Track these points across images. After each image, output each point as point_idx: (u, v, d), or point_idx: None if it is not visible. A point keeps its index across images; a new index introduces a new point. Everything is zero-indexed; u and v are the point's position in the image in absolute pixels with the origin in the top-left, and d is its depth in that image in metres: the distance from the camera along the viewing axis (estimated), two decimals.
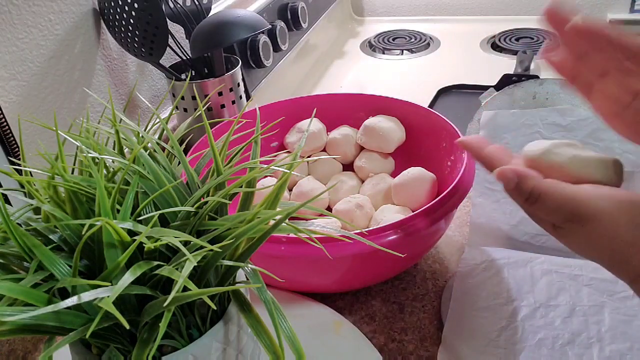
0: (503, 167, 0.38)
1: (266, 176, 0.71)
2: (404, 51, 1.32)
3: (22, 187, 0.39)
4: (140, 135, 0.42)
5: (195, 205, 0.36)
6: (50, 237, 0.35)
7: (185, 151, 0.55)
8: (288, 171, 0.37)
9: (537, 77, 1.07)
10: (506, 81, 1.02)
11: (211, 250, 0.31)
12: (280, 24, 1.04)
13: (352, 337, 0.55)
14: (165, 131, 0.42)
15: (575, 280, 0.57)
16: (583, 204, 0.36)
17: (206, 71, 0.84)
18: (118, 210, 0.34)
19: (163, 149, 0.42)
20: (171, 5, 0.80)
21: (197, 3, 0.84)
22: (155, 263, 0.32)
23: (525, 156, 0.41)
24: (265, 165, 0.40)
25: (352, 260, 0.54)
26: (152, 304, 0.32)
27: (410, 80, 1.18)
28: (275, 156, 0.73)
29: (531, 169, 0.40)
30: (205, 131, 0.40)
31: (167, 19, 0.75)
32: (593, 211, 0.35)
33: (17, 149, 0.60)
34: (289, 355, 0.32)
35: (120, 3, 0.71)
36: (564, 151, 0.40)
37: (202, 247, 0.31)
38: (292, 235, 0.42)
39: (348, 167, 0.77)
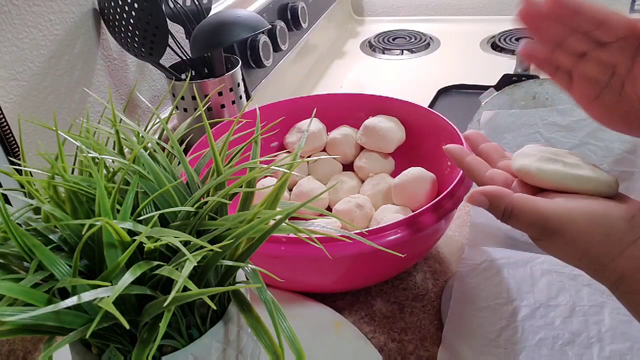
0: (473, 191, 0.40)
1: (266, 176, 0.71)
2: (404, 51, 1.32)
3: (22, 187, 0.39)
4: (140, 135, 0.42)
5: (195, 205, 0.36)
6: (50, 237, 0.35)
7: (185, 151, 0.55)
8: (288, 171, 0.37)
9: (537, 77, 1.06)
10: (506, 81, 1.02)
11: (211, 250, 0.31)
12: (280, 24, 1.04)
13: (352, 337, 0.55)
14: (165, 131, 0.42)
15: (575, 280, 0.57)
16: (555, 218, 0.37)
17: (206, 71, 0.84)
18: (118, 210, 0.34)
19: (163, 149, 0.42)
20: (171, 5, 0.80)
21: (197, 3, 0.84)
22: (155, 263, 0.32)
23: (512, 165, 0.44)
24: (265, 165, 0.40)
25: (352, 260, 0.54)
26: (152, 304, 0.32)
27: (410, 80, 1.18)
28: (275, 156, 0.73)
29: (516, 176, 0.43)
30: (205, 131, 0.40)
31: (167, 19, 0.75)
32: (564, 225, 0.37)
33: (17, 149, 0.60)
34: (289, 355, 0.32)
35: (120, 3, 0.71)
36: (552, 168, 0.41)
37: (202, 247, 0.31)
38: (292, 235, 0.42)
39: (348, 167, 0.77)
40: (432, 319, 0.57)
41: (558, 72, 0.43)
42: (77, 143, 0.38)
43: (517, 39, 1.30)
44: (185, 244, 0.32)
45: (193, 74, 0.83)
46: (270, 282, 0.48)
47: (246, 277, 0.38)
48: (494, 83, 1.02)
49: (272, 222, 0.34)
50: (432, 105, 1.04)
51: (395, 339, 0.55)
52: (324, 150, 0.77)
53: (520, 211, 0.38)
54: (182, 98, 0.80)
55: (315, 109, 0.60)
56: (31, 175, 0.38)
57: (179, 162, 0.41)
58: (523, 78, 1.04)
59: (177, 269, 0.31)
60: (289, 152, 0.76)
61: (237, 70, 0.82)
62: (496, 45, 1.29)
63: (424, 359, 0.53)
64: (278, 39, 1.03)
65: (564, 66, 0.43)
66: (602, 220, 0.37)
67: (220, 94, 0.81)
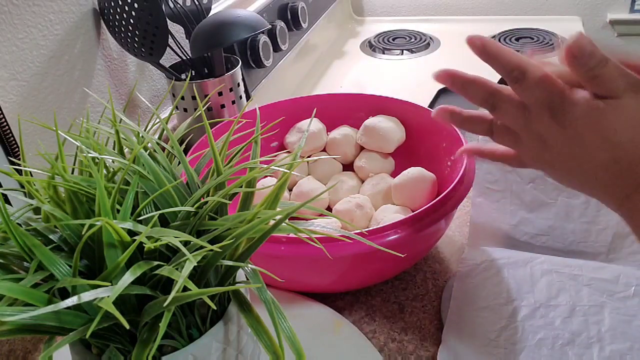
0: (580, 34, 0.37)
1: (266, 176, 0.71)
2: (404, 51, 1.32)
3: (22, 187, 0.39)
4: (140, 135, 0.42)
5: (195, 205, 0.36)
6: (50, 237, 0.35)
7: (185, 151, 0.55)
8: (288, 171, 0.37)
9: None
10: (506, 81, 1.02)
11: (211, 250, 0.31)
12: (280, 24, 1.04)
13: (352, 337, 0.55)
14: (165, 131, 0.42)
15: (575, 280, 0.57)
16: None
17: (206, 71, 0.84)
18: (118, 210, 0.34)
19: (163, 149, 0.42)
20: (171, 5, 0.80)
21: (197, 3, 0.84)
22: (155, 263, 0.32)
23: None
24: (265, 165, 0.40)
25: (352, 260, 0.54)
26: (152, 304, 0.32)
27: (410, 80, 1.18)
28: (275, 156, 0.73)
29: None
30: (205, 131, 0.40)
31: (167, 19, 0.75)
32: None
33: (17, 149, 0.60)
34: (289, 355, 0.32)
35: (120, 3, 0.71)
36: None
37: (202, 247, 0.31)
38: (292, 235, 0.42)
39: (348, 167, 0.77)
40: (432, 319, 0.57)
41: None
42: (77, 143, 0.38)
43: (517, 39, 1.30)
44: (185, 244, 0.32)
45: (193, 74, 0.83)
46: (270, 282, 0.48)
47: (246, 277, 0.38)
48: None
49: (272, 222, 0.34)
50: (432, 105, 1.04)
51: (395, 339, 0.55)
52: (324, 150, 0.77)
53: (619, 59, 0.36)
54: (182, 98, 0.80)
55: (315, 109, 0.60)
56: (31, 175, 0.38)
57: (179, 162, 0.41)
58: None
59: (177, 269, 0.31)
60: (289, 152, 0.76)
61: (237, 70, 0.82)
62: None
63: (424, 359, 0.53)
64: (278, 39, 1.03)
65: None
66: None
67: (220, 94, 0.81)
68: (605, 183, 0.39)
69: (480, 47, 0.41)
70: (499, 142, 0.44)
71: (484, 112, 0.44)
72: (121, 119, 0.41)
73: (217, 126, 0.70)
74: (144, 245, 0.31)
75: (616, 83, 0.36)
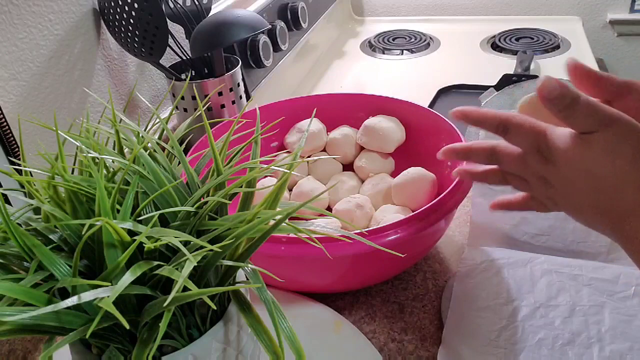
0: (543, 80, 0.39)
1: (266, 176, 0.71)
2: (404, 51, 1.32)
3: (22, 187, 0.39)
4: (140, 135, 0.42)
5: (195, 205, 0.36)
6: (50, 237, 0.35)
7: (185, 151, 0.55)
8: (288, 171, 0.37)
9: (537, 77, 1.07)
10: (506, 81, 1.02)
11: (211, 250, 0.31)
12: (280, 24, 1.04)
13: (352, 337, 0.55)
14: (165, 131, 0.42)
15: (575, 280, 0.57)
16: (614, 109, 0.38)
17: (206, 71, 0.84)
18: (118, 210, 0.34)
19: (163, 149, 0.42)
20: (171, 5, 0.80)
21: (197, 3, 0.84)
22: (155, 263, 0.32)
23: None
24: (265, 165, 0.40)
25: (352, 260, 0.54)
26: (152, 304, 0.32)
27: (410, 80, 1.18)
28: (275, 156, 0.73)
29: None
30: (205, 131, 0.40)
31: (167, 19, 0.75)
32: (620, 115, 0.38)
33: (17, 149, 0.60)
34: (289, 355, 0.32)
35: (120, 3, 0.71)
36: None
37: (202, 247, 0.31)
38: (292, 235, 0.42)
39: (348, 167, 0.77)
40: (432, 319, 0.57)
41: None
42: (77, 143, 0.38)
43: (517, 39, 1.30)
44: (185, 244, 0.32)
45: (193, 74, 0.83)
46: (270, 282, 0.48)
47: (246, 277, 0.38)
48: (494, 83, 1.03)
49: (272, 222, 0.34)
50: (432, 105, 1.04)
51: (395, 339, 0.55)
52: (324, 150, 0.77)
53: (587, 97, 0.38)
54: (182, 98, 0.80)
55: (315, 109, 0.60)
56: (31, 175, 0.38)
57: (179, 162, 0.41)
58: (523, 78, 1.04)
59: (177, 269, 0.31)
60: (289, 152, 0.76)
61: (237, 70, 0.82)
62: (496, 45, 1.29)
63: (424, 359, 0.53)
64: (278, 39, 1.03)
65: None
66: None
67: (220, 94, 0.81)
68: (601, 211, 0.40)
69: (463, 117, 0.45)
70: (515, 188, 0.47)
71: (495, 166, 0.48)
72: (121, 119, 0.41)
73: (217, 126, 0.70)
74: (144, 245, 0.31)
75: (588, 120, 0.38)
